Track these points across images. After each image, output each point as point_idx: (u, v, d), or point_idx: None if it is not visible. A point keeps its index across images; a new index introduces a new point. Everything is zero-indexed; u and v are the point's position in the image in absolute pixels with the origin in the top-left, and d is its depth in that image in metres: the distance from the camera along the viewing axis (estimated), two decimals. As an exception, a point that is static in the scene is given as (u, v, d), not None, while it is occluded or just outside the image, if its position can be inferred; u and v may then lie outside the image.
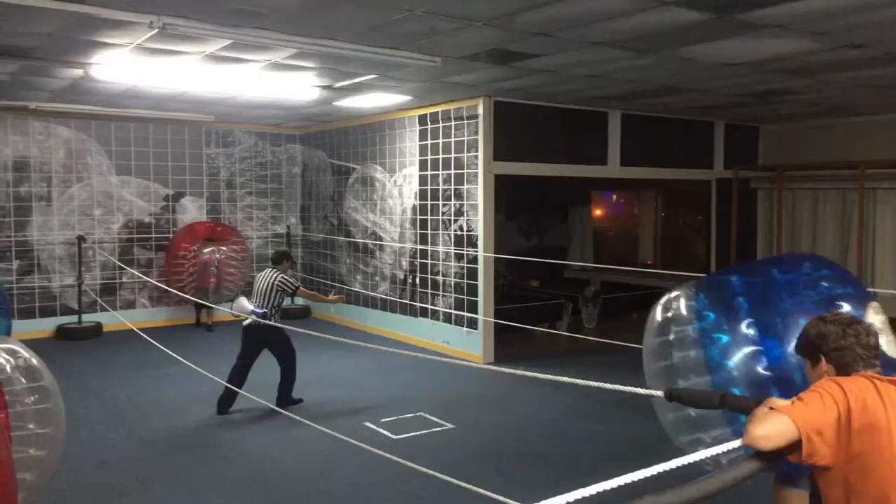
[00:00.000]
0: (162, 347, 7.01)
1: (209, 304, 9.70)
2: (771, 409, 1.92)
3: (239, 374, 6.66)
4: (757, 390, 3.04)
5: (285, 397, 6.84)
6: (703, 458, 1.91)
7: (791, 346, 2.89)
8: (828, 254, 10.40)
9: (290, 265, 7.11)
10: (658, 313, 3.63)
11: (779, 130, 11.13)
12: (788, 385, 2.96)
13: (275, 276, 6.79)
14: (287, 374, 6.89)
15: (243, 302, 6.89)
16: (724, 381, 3.13)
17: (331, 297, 7.75)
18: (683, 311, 3.48)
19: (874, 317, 3.15)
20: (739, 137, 11.13)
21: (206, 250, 10.71)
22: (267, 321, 6.60)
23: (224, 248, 10.88)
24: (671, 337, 3.50)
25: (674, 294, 3.57)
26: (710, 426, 3.17)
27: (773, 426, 1.86)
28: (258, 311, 6.68)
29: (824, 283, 3.23)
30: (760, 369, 3.11)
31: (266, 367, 6.80)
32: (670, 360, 3.48)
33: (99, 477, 5.23)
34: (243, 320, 6.76)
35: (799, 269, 3.37)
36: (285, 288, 6.78)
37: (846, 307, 3.07)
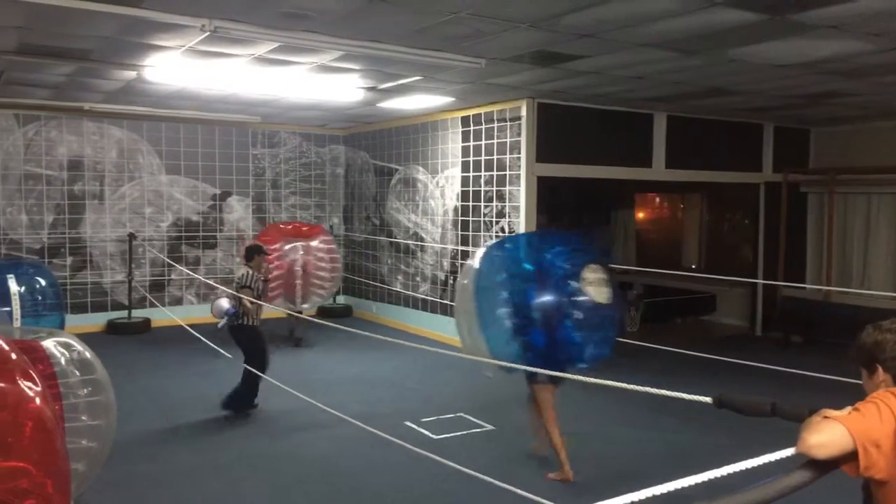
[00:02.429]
0: (209, 343, 7.14)
1: (296, 313, 8.87)
2: (826, 417, 1.87)
3: (251, 375, 6.45)
4: (517, 321, 4.92)
5: (233, 399, 6.46)
6: (747, 467, 1.87)
7: (545, 294, 4.94)
8: (881, 260, 10.11)
9: (263, 260, 6.76)
10: (466, 262, 5.43)
11: (830, 133, 10.84)
12: (529, 320, 4.91)
13: (240, 272, 6.62)
14: (246, 377, 6.46)
15: (221, 303, 6.62)
16: (491, 307, 4.96)
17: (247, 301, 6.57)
18: (477, 263, 5.24)
19: (590, 274, 4.98)
20: (789, 140, 10.88)
21: (287, 247, 9.46)
22: (238, 321, 6.42)
23: (313, 245, 9.61)
24: (465, 282, 5.21)
25: (476, 251, 5.42)
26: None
27: (827, 435, 1.81)
28: (231, 310, 6.48)
29: (571, 254, 5.13)
30: (519, 304, 4.93)
31: (302, 363, 6.86)
32: (461, 296, 5.26)
33: (147, 469, 5.36)
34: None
35: (561, 243, 5.32)
36: (238, 283, 6.50)
37: (566, 266, 4.98)
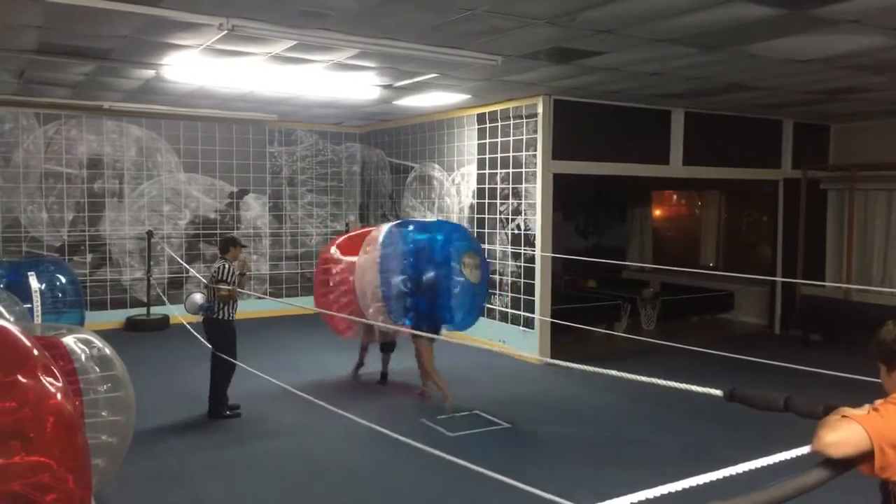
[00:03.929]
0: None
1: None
2: (844, 416, 1.85)
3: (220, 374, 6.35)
4: (408, 287, 6.46)
5: (214, 407, 6.37)
6: (762, 465, 1.86)
7: (432, 270, 6.43)
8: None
9: (239, 251, 6.53)
10: (371, 234, 6.95)
11: (851, 129, 10.71)
12: (418, 288, 6.44)
13: (216, 265, 6.46)
14: (216, 379, 6.35)
15: (194, 298, 6.50)
16: (389, 275, 6.51)
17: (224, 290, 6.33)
18: (381, 238, 6.67)
19: (468, 259, 6.45)
20: (809, 136, 10.76)
21: (339, 267, 7.39)
22: (213, 315, 6.27)
23: None
24: (368, 248, 6.72)
25: (381, 227, 6.91)
26: None
27: (844, 434, 1.79)
28: (205, 305, 6.34)
29: (456, 241, 6.59)
30: (411, 275, 6.45)
31: (317, 362, 6.88)
32: (364, 264, 6.71)
33: (167, 465, 5.42)
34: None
35: (451, 232, 6.76)
36: (213, 276, 6.32)
37: (451, 250, 6.48)
